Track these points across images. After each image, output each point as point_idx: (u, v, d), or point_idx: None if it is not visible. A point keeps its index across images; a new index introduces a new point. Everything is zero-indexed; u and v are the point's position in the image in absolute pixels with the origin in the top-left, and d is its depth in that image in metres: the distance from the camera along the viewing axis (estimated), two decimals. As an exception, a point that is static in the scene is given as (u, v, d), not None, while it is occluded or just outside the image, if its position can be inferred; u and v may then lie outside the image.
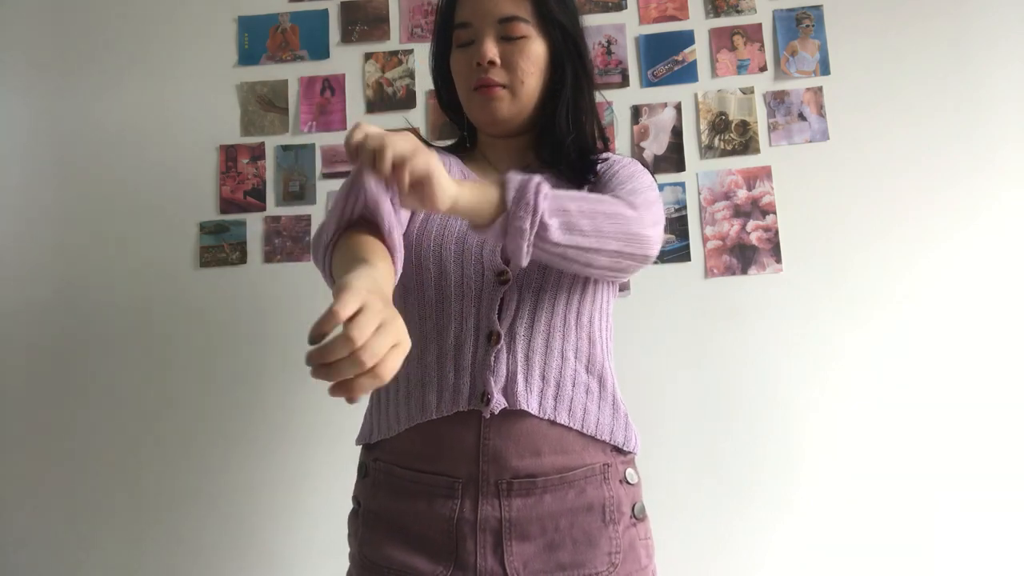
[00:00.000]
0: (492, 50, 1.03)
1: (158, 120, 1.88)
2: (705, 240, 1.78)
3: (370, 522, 0.99)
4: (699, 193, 1.80)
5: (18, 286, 1.84)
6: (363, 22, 1.90)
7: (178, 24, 1.92)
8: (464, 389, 0.93)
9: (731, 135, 1.82)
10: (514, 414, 0.93)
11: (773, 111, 1.82)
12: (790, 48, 1.84)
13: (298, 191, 1.85)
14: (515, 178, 0.83)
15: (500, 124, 1.07)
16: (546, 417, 0.94)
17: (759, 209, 1.79)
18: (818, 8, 1.85)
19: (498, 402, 0.92)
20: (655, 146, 1.83)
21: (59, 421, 1.80)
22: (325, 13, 1.91)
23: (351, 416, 1.75)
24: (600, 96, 1.18)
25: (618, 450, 1.01)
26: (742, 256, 1.77)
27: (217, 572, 1.74)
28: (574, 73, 1.08)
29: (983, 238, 1.74)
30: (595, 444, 0.98)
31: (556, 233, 0.83)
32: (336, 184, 1.83)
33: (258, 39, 1.91)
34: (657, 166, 1.81)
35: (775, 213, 1.78)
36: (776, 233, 1.78)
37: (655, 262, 1.81)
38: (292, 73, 1.89)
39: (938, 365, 1.71)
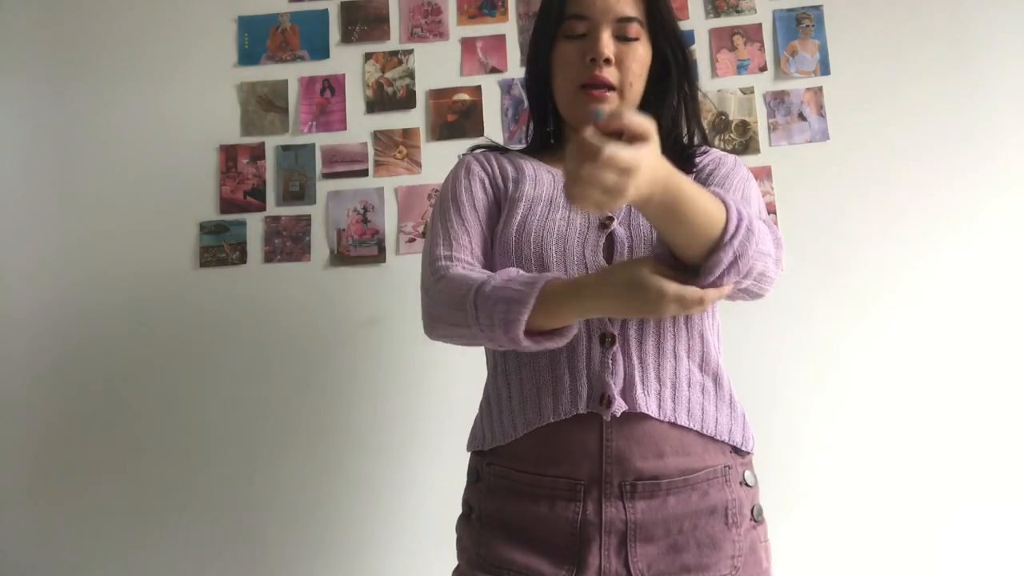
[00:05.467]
0: (611, 47, 1.02)
1: (158, 120, 1.88)
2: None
3: (487, 525, 0.98)
4: (699, 193, 1.80)
5: (18, 286, 1.84)
6: (363, 22, 1.90)
7: (178, 24, 1.92)
8: (582, 392, 0.92)
9: (731, 135, 1.82)
10: (634, 416, 0.92)
11: (773, 111, 1.82)
12: (790, 48, 1.84)
13: (298, 191, 1.85)
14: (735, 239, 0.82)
15: None
16: (666, 419, 0.93)
17: (759, 209, 1.79)
18: (818, 8, 1.85)
19: (619, 405, 0.91)
20: (655, 146, 1.82)
21: (59, 421, 1.79)
22: (325, 13, 1.91)
23: (349, 417, 1.75)
24: (703, 97, 1.18)
25: (736, 451, 1.00)
26: (742, 256, 1.77)
27: (215, 571, 1.74)
28: (684, 79, 1.09)
29: (983, 238, 1.74)
30: (715, 445, 0.97)
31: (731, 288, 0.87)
32: (336, 184, 1.83)
33: (258, 39, 1.91)
34: (657, 166, 1.81)
35: (775, 213, 1.78)
36: (776, 233, 1.77)
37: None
38: (292, 73, 1.89)
39: (938, 365, 1.71)
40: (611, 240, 0.96)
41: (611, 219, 0.98)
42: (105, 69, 1.91)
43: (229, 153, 1.87)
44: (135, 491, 1.76)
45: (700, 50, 1.85)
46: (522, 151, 1.16)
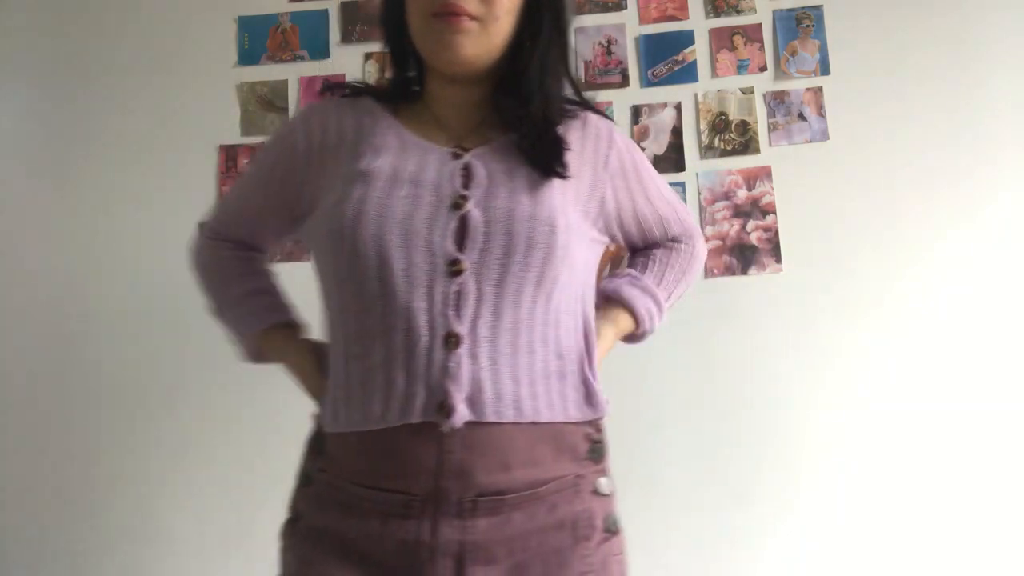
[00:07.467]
0: None
1: (158, 120, 1.88)
2: (705, 240, 1.78)
3: (313, 538, 0.88)
4: (699, 193, 1.80)
5: (18, 286, 1.85)
6: (363, 22, 1.90)
7: (178, 24, 1.92)
8: (416, 399, 0.80)
9: (731, 135, 1.82)
10: (479, 424, 0.81)
11: (773, 111, 1.82)
12: (790, 48, 1.84)
13: (298, 191, 1.85)
14: (643, 324, 1.01)
15: (462, 63, 0.89)
16: (526, 420, 0.82)
17: (759, 209, 1.79)
18: (818, 8, 1.85)
19: (462, 415, 0.79)
20: (655, 146, 1.83)
21: (59, 420, 1.80)
22: (325, 13, 1.91)
23: (351, 416, 1.75)
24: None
25: (591, 458, 0.90)
26: (742, 256, 1.78)
27: (217, 570, 1.74)
28: (551, 25, 0.92)
29: (983, 238, 1.74)
30: (567, 451, 0.87)
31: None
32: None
33: (258, 39, 1.91)
34: (657, 166, 1.80)
35: (775, 213, 1.78)
36: (776, 233, 1.78)
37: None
38: (292, 73, 1.89)
39: (937, 364, 1.71)
40: (464, 223, 0.83)
41: (465, 198, 0.84)
42: (105, 69, 1.91)
43: (229, 153, 1.87)
44: (135, 489, 1.77)
45: (700, 50, 1.85)
46: (381, 95, 1.00)
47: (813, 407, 1.71)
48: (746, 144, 1.82)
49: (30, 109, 1.91)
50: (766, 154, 1.81)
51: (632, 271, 1.05)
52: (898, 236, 1.75)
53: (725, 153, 1.81)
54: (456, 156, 0.89)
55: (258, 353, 1.02)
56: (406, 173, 0.86)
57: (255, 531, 1.74)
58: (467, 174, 0.87)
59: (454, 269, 0.82)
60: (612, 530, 0.90)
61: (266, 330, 0.99)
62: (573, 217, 0.88)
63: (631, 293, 1.00)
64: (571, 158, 0.90)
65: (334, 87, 1.00)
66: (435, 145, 0.90)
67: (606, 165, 0.95)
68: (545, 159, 0.89)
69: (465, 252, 0.82)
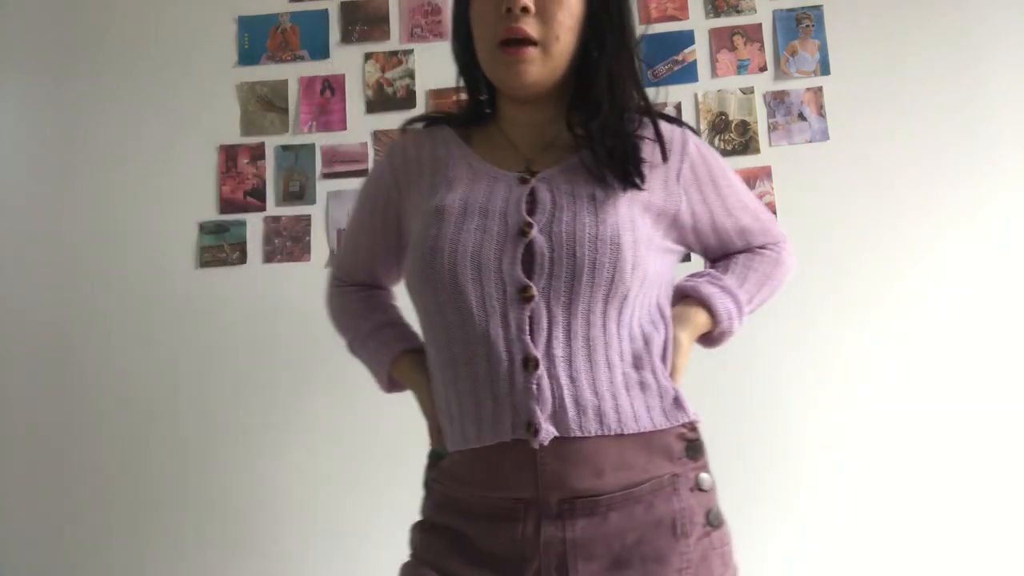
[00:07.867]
0: None
1: (158, 120, 1.88)
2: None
3: (436, 535, 0.95)
4: (699, 193, 1.80)
5: (18, 286, 1.85)
6: (363, 22, 1.90)
7: (178, 24, 1.92)
8: (505, 420, 0.85)
9: (731, 135, 1.82)
10: (568, 437, 0.85)
11: (773, 111, 1.82)
12: (790, 48, 1.85)
13: (298, 191, 1.85)
14: (723, 323, 1.03)
15: (528, 88, 0.93)
16: (611, 433, 0.86)
17: (759, 209, 1.79)
18: (818, 8, 1.85)
19: (548, 432, 0.84)
20: (655, 146, 1.83)
21: (59, 421, 1.80)
22: (325, 13, 1.91)
23: (349, 417, 1.75)
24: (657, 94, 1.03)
25: (689, 455, 0.93)
26: (742, 256, 1.77)
27: (216, 571, 1.74)
28: (616, 36, 0.94)
29: (983, 238, 1.74)
30: (661, 452, 0.90)
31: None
32: (336, 184, 1.83)
33: (258, 39, 1.91)
34: (657, 166, 1.81)
35: (775, 213, 1.78)
36: (776, 233, 1.78)
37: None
38: (292, 73, 1.89)
39: (938, 365, 1.71)
40: (530, 250, 0.87)
41: (530, 225, 0.88)
42: (105, 69, 1.91)
43: (229, 153, 1.87)
44: (135, 490, 1.77)
45: (700, 50, 1.85)
46: (452, 119, 1.04)
47: (813, 407, 1.71)
48: (746, 144, 1.82)
49: (30, 109, 1.91)
50: (766, 154, 1.81)
51: (712, 271, 1.04)
52: (898, 236, 1.75)
53: (725, 153, 1.81)
54: (523, 181, 0.92)
55: (391, 383, 1.06)
56: (476, 204, 0.91)
57: (255, 531, 1.74)
58: (532, 200, 0.91)
59: (525, 296, 0.87)
60: (714, 524, 0.94)
61: (394, 359, 1.03)
62: (643, 229, 0.91)
63: (709, 291, 1.00)
64: (643, 170, 0.93)
65: (413, 120, 1.06)
66: (504, 171, 0.95)
67: (679, 178, 0.97)
68: (620, 170, 0.91)
69: (534, 278, 0.87)
